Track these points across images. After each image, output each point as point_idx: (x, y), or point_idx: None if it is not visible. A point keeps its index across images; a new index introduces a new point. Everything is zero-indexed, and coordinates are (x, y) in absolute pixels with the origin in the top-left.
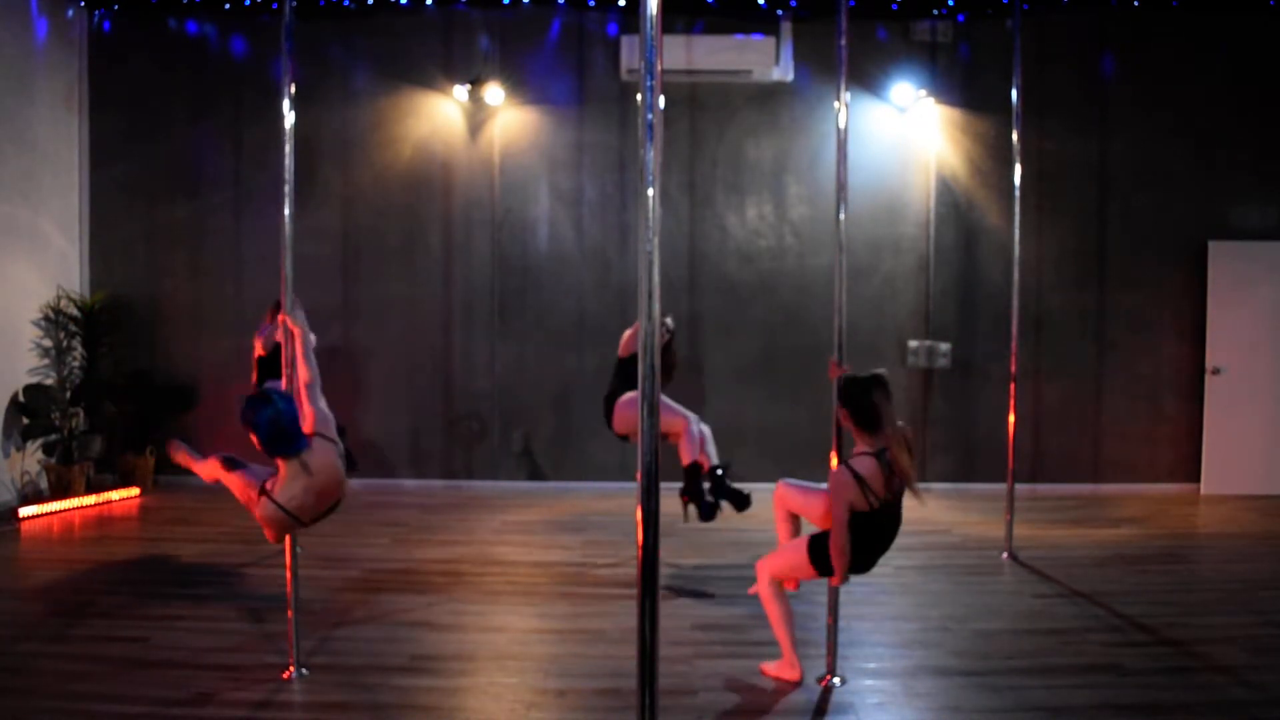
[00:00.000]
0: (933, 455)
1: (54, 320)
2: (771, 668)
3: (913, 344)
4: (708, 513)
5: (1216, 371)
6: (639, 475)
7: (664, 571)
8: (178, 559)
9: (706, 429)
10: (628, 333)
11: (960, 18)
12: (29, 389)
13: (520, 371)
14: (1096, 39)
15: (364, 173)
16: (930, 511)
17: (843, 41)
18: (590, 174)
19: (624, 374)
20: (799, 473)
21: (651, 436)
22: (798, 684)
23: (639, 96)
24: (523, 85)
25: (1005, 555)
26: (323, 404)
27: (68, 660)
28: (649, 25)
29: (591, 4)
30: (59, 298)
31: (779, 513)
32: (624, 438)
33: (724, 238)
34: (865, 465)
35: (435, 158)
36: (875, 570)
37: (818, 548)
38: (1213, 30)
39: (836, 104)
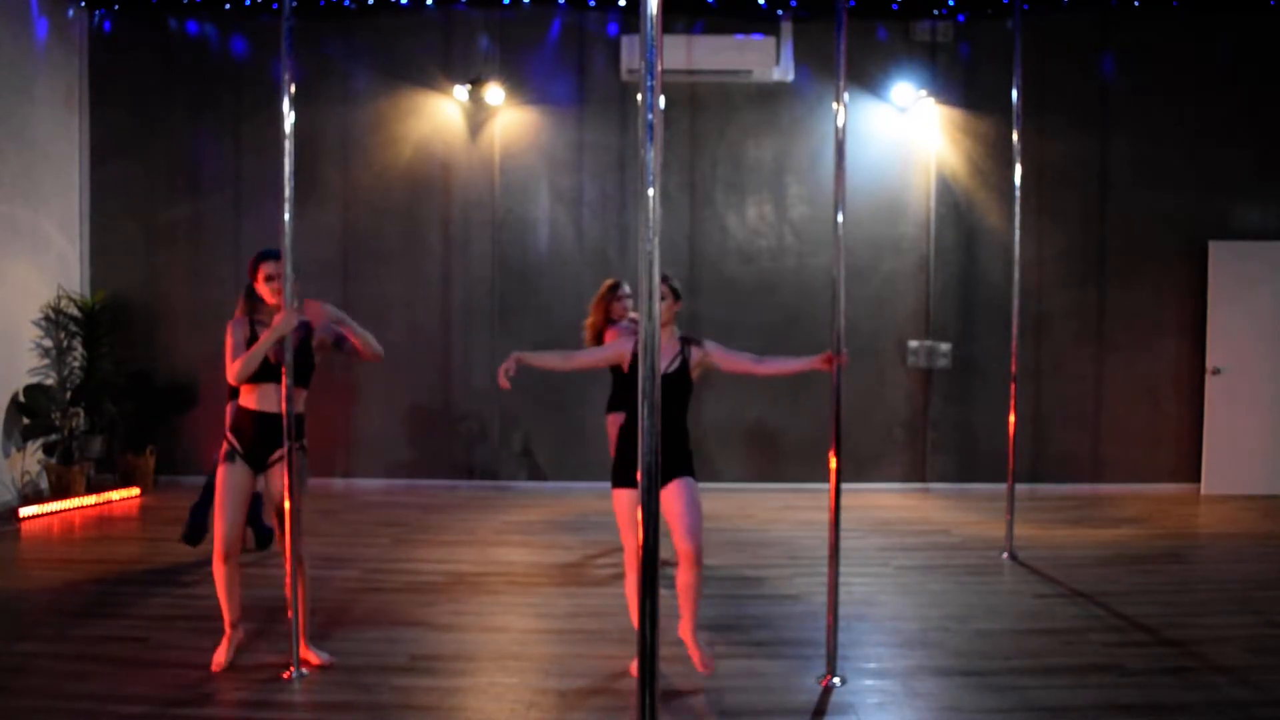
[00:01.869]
0: (933, 455)
1: (54, 320)
2: None
3: (913, 344)
4: None
5: (1216, 371)
6: (639, 475)
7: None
8: (178, 559)
9: None
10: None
11: (960, 18)
12: (29, 389)
13: (520, 371)
14: (1097, 39)
15: (364, 173)
16: (930, 512)
17: (842, 41)
18: (590, 174)
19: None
20: (799, 473)
21: (651, 435)
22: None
23: (639, 96)
24: (523, 85)
25: (1005, 555)
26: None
27: (68, 660)
28: (649, 25)
29: (592, 4)
30: (59, 298)
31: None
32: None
33: (724, 238)
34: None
35: (435, 158)
36: (875, 570)
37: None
38: (1213, 30)
39: (836, 104)
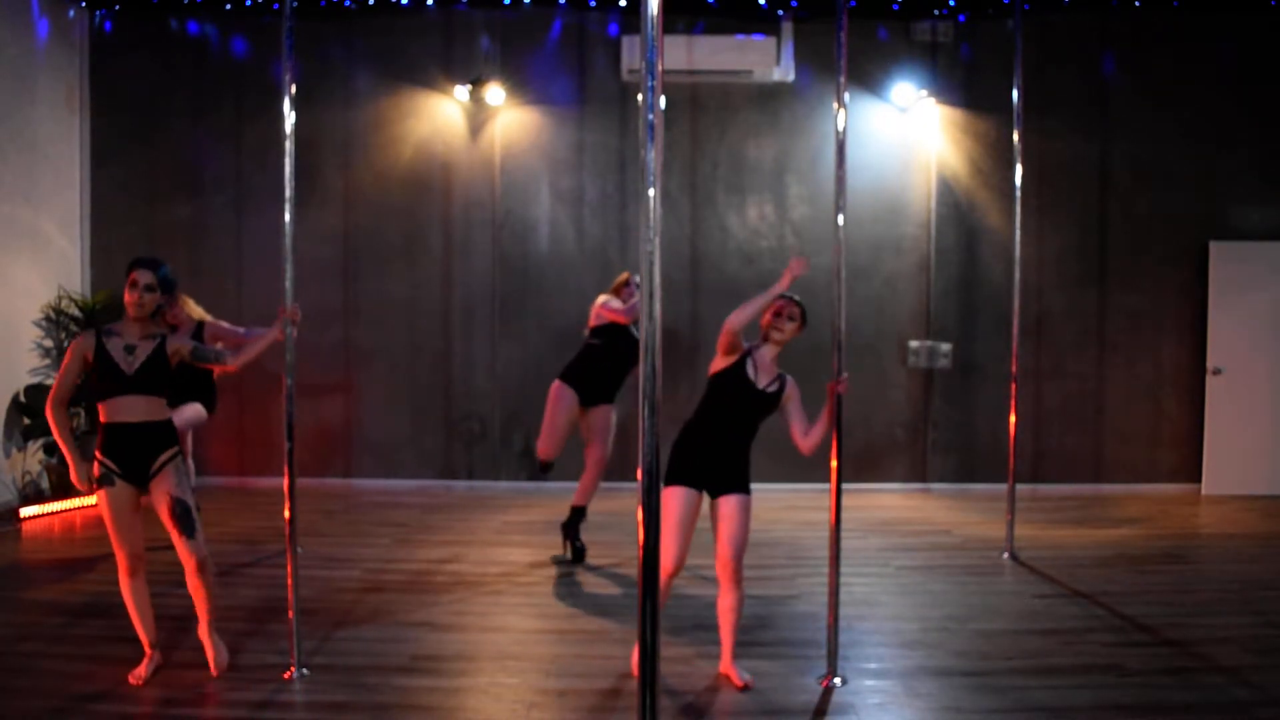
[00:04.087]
0: (933, 455)
1: (55, 320)
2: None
3: (913, 344)
4: (578, 556)
5: (1217, 371)
6: (639, 475)
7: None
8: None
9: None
10: (613, 306)
11: (961, 18)
12: (30, 389)
13: (521, 371)
14: (1097, 39)
15: (365, 173)
16: (931, 512)
17: (843, 42)
18: (591, 174)
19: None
20: (800, 473)
21: (652, 435)
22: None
23: (640, 97)
24: (524, 85)
25: (1006, 555)
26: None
27: (69, 660)
28: (650, 25)
29: (592, 4)
30: (60, 298)
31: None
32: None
33: (725, 238)
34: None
35: (436, 158)
36: (876, 570)
37: None
38: (1213, 30)
39: (836, 104)
